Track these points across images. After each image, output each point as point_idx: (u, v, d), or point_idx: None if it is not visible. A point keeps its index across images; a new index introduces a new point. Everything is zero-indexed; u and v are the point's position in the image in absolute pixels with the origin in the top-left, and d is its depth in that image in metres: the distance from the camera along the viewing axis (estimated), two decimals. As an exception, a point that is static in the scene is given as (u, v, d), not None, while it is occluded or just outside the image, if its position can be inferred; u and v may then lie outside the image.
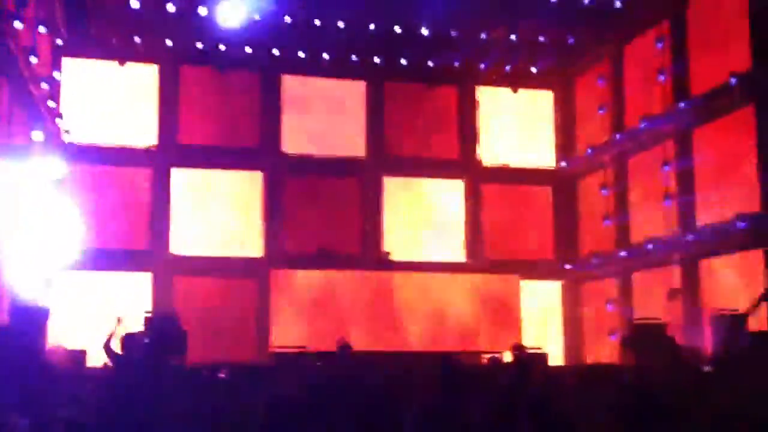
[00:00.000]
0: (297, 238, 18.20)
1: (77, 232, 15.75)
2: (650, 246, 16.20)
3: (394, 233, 18.88)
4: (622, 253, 17.31)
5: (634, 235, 17.25)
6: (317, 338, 15.89)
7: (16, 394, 7.89)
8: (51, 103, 15.36)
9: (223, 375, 9.73)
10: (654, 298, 16.15)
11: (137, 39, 17.27)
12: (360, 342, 15.02)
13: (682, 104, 15.60)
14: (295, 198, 18.48)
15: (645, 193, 17.00)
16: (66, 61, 17.31)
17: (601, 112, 18.40)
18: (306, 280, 17.37)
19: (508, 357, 14.17)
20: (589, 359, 18.15)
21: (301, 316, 16.96)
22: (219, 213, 18.17)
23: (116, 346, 8.25)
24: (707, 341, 13.67)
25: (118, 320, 8.69)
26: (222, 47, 17.62)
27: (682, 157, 15.75)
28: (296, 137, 18.72)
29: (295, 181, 18.58)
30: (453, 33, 17.65)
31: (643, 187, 17.13)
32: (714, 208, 14.73)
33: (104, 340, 8.26)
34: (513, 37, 17.82)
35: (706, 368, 10.64)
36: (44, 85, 14.56)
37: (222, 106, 18.39)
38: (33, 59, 13.40)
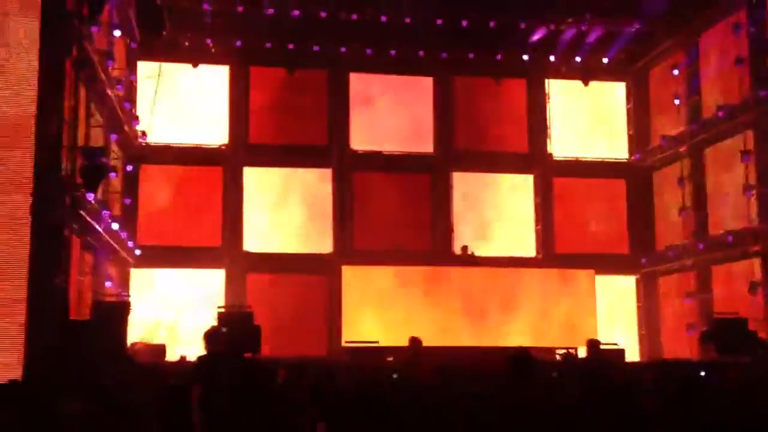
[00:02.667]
0: (367, 235, 18.28)
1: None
2: (729, 238, 15.71)
3: (464, 228, 18.77)
4: (700, 246, 16.84)
5: (712, 227, 16.76)
6: (388, 333, 15.92)
7: (99, 388, 8.13)
8: (127, 105, 15.78)
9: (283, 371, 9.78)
10: (734, 291, 15.65)
11: (208, 41, 17.61)
12: (431, 338, 14.99)
13: (761, 92, 15.06)
14: (365, 194, 18.56)
15: (723, 184, 16.49)
16: (140, 64, 17.75)
17: (676, 102, 17.92)
18: (377, 275, 17.40)
19: (582, 353, 13.95)
20: (667, 355, 17.70)
21: (372, 312, 17.00)
22: (289, 210, 18.38)
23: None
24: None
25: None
26: (290, 46, 17.83)
27: (762, 147, 15.21)
28: (364, 134, 18.80)
29: (364, 178, 18.67)
30: (521, 25, 17.42)
31: (720, 178, 16.62)
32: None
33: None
34: (583, 28, 17.51)
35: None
36: (121, 88, 14.98)
37: (291, 104, 18.58)
38: (109, 63, 13.81)
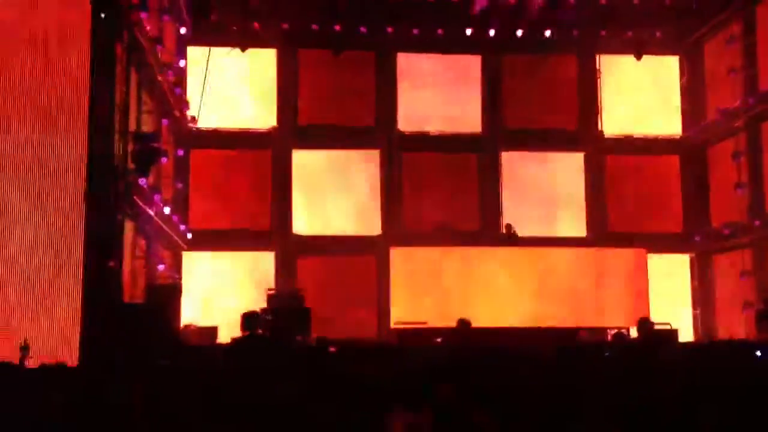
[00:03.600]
0: (415, 216, 18.26)
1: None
2: (787, 215, 15.29)
3: (514, 208, 18.62)
4: (757, 223, 16.41)
5: (769, 204, 16.33)
6: (437, 315, 15.92)
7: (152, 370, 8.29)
8: (178, 90, 15.97)
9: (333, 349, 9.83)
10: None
11: (255, 24, 17.68)
12: (481, 318, 14.93)
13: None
14: (413, 175, 18.51)
15: (781, 160, 16.03)
16: (189, 49, 17.92)
17: (730, 75, 17.43)
18: (425, 256, 17.38)
19: (634, 333, 13.75)
20: (722, 335, 17.35)
21: (421, 294, 17.00)
22: (338, 192, 18.44)
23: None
24: None
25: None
26: (336, 28, 17.81)
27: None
28: (412, 115, 18.72)
29: (412, 159, 18.61)
30: (572, 0, 17.10)
31: (779, 154, 16.16)
32: None
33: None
34: (635, 1, 17.12)
35: None
36: (171, 73, 15.15)
37: (338, 86, 18.59)
38: (159, 48, 13.97)
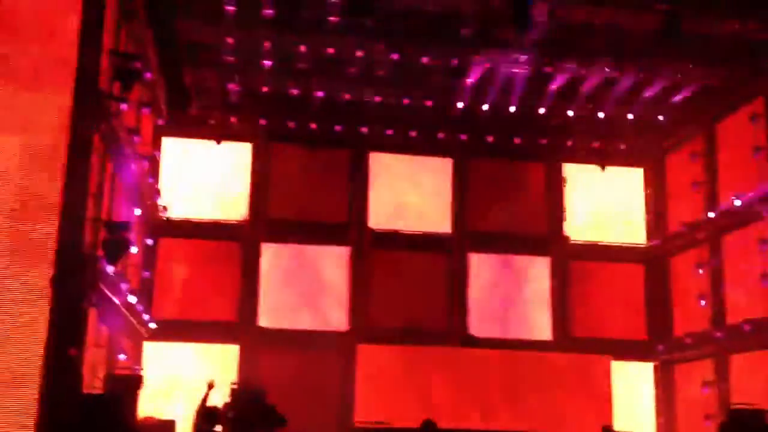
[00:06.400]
0: (383, 313, 18.26)
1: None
2: (748, 327, 15.55)
3: (479, 310, 18.74)
4: (718, 334, 16.67)
5: (730, 316, 16.61)
6: (401, 415, 15.74)
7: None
8: (151, 180, 16.09)
9: None
10: (753, 382, 15.40)
11: (233, 119, 18.04)
12: (445, 420, 14.79)
13: (779, 182, 15.16)
14: (381, 273, 18.61)
15: (742, 272, 16.40)
16: (165, 140, 18.16)
17: (692, 189, 18.02)
18: (392, 355, 17.31)
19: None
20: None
21: (386, 392, 16.84)
22: (306, 287, 18.44)
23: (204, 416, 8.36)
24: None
25: (210, 385, 8.79)
26: (312, 126, 18.23)
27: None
28: (383, 213, 18.98)
29: (381, 256, 18.75)
30: (540, 110, 17.72)
31: (739, 266, 16.55)
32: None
33: (198, 405, 8.39)
34: (601, 114, 17.80)
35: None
36: (145, 164, 15.29)
37: (311, 182, 18.85)
38: (136, 139, 14.15)
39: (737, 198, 16.13)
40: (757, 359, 15.51)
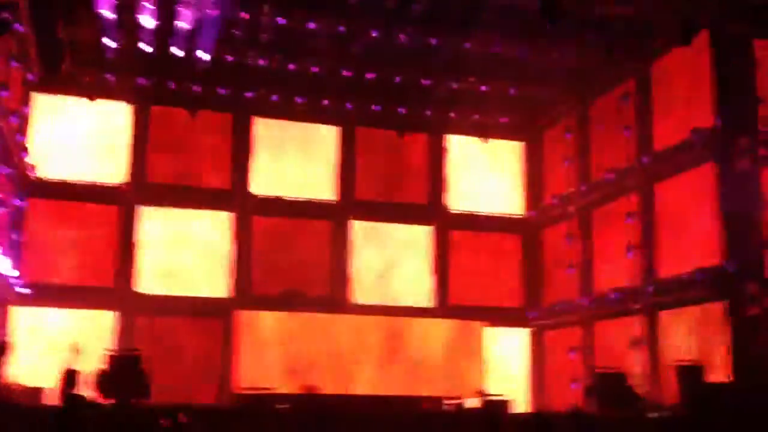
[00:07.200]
0: (264, 280, 18.18)
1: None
2: (613, 295, 16.43)
3: (362, 277, 18.96)
4: (585, 302, 17.53)
5: (597, 285, 17.49)
6: (282, 380, 15.82)
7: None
8: (20, 138, 15.32)
9: (184, 419, 9.62)
10: (617, 347, 16.33)
11: (110, 77, 17.34)
12: (325, 385, 15.01)
13: (645, 159, 16.00)
14: (264, 239, 18.49)
15: (609, 243, 17.28)
16: (36, 96, 17.30)
17: (566, 163, 18.77)
18: (271, 321, 17.31)
19: (470, 403, 14.20)
20: (556, 407, 18.21)
21: (266, 359, 16.85)
22: (185, 252, 18.11)
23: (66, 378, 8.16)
24: (667, 391, 13.84)
25: (73, 348, 8.57)
26: (194, 88, 17.76)
27: (645, 210, 16.10)
28: (266, 179, 18.80)
29: (263, 223, 18.61)
30: (425, 82, 17.93)
31: (607, 238, 17.42)
32: (675, 261, 15.03)
33: (63, 369, 8.18)
34: (483, 88, 18.18)
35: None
36: (14, 120, 14.55)
37: (192, 145, 18.44)
38: (4, 93, 13.43)
39: (607, 173, 16.92)
40: (621, 325, 16.42)
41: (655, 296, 15.36)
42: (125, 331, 17.03)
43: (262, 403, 13.27)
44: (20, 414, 9.33)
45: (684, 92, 15.27)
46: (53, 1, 14.95)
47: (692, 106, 14.91)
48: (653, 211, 15.94)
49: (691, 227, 14.77)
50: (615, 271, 16.73)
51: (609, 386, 13.60)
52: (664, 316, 15.34)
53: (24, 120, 16.41)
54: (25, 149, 16.09)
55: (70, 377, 8.17)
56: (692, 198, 14.85)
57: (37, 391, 13.30)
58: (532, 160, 20.54)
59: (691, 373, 12.44)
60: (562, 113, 19.35)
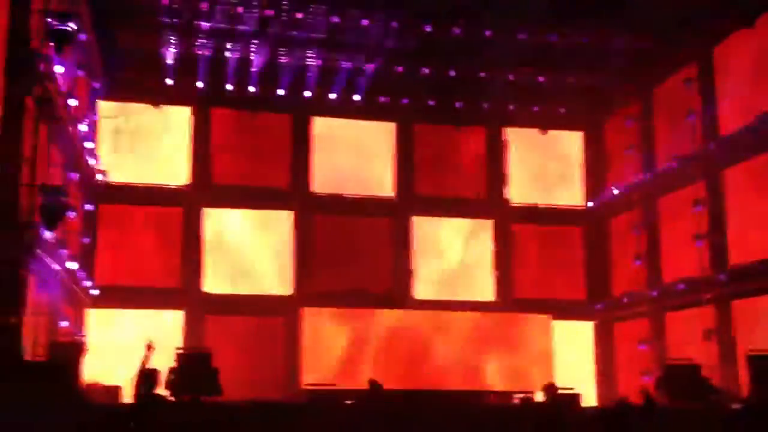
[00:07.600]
0: (327, 277, 18.29)
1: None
2: (682, 286, 16.07)
3: (424, 272, 18.94)
4: (654, 293, 17.18)
5: (666, 275, 17.13)
6: (346, 376, 15.92)
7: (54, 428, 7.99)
8: (88, 144, 15.71)
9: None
10: (687, 338, 15.95)
11: (170, 81, 17.65)
12: (390, 380, 14.97)
13: (711, 144, 15.58)
14: (326, 237, 18.61)
15: (676, 232, 16.90)
16: (102, 104, 17.73)
17: (629, 152, 18.40)
18: (336, 318, 17.42)
19: (540, 397, 13.98)
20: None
21: (330, 354, 16.98)
22: (251, 251, 18.36)
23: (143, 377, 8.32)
24: (743, 382, 13.47)
25: (148, 346, 8.71)
26: (252, 89, 17.96)
27: (713, 197, 15.68)
28: (326, 177, 18.92)
29: (325, 221, 18.73)
30: (481, 74, 17.79)
31: (674, 227, 17.03)
32: (746, 249, 14.62)
33: (138, 367, 8.35)
34: (541, 79, 17.96)
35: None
36: (82, 127, 14.92)
37: (253, 146, 18.66)
38: (71, 102, 13.77)
39: (672, 160, 16.54)
40: (691, 316, 16.04)
41: (727, 286, 14.96)
42: (194, 330, 17.34)
43: (328, 399, 13.37)
44: (100, 412, 9.58)
45: (748, 75, 14.83)
46: (114, 11, 15.32)
47: (757, 90, 14.47)
48: (722, 198, 15.51)
49: (762, 213, 14.32)
50: (683, 260, 16.36)
51: (681, 378, 13.30)
52: (737, 305, 14.93)
53: (92, 127, 16.81)
54: (95, 155, 16.50)
55: (146, 376, 8.33)
56: (762, 183, 14.41)
57: (115, 390, 13.60)
58: (592, 150, 20.21)
59: (764, 363, 12.07)
60: (622, 101, 18.99)
